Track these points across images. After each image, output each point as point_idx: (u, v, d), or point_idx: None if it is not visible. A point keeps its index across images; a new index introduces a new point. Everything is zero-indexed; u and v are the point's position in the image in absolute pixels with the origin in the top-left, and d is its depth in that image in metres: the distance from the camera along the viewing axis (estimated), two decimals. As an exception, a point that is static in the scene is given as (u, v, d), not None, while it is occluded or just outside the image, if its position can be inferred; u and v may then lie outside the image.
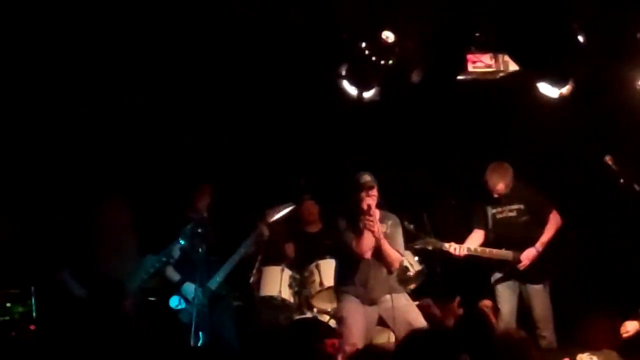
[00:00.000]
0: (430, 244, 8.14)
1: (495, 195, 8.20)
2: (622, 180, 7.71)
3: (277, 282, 8.39)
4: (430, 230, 8.22)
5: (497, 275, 8.35)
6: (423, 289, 8.63)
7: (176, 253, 7.21)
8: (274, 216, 7.94)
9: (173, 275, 7.76)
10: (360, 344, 6.76)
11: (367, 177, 7.16)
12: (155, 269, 7.27)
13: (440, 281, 8.61)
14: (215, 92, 8.28)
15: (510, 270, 8.25)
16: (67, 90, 7.74)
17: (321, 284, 8.36)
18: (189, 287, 7.68)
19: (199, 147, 8.67)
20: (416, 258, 8.56)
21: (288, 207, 8.04)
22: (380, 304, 7.18)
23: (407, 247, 8.40)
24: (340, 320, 7.24)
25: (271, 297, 8.38)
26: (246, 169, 8.88)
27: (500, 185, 8.14)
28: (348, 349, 6.89)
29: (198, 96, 8.30)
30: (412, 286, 8.57)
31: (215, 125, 8.67)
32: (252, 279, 8.34)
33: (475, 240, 8.25)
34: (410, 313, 7.19)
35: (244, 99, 8.41)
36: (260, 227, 7.80)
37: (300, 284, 8.46)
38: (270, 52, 7.76)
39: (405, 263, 8.44)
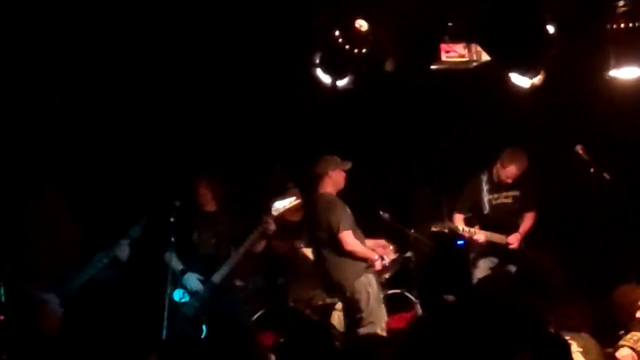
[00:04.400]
0: (446, 227, 8.67)
1: (509, 181, 8.75)
2: (592, 170, 8.16)
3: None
4: (447, 214, 8.77)
5: (478, 261, 8.93)
6: (398, 278, 9.18)
7: (125, 250, 7.31)
8: (279, 209, 8.19)
9: (176, 264, 7.96)
10: None
11: None
12: (103, 265, 7.34)
13: (415, 270, 9.06)
14: (186, 81, 8.53)
15: (493, 254, 8.84)
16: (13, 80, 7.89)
17: (297, 273, 9.01)
18: (191, 278, 7.97)
19: (172, 138, 8.92)
20: (390, 247, 8.96)
21: (293, 199, 8.30)
22: None
23: (386, 235, 9.10)
24: None
25: (245, 286, 8.86)
26: (219, 159, 9.10)
27: (516, 172, 8.72)
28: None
29: (165, 86, 8.51)
30: (387, 275, 9.12)
31: (185, 116, 8.90)
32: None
33: (460, 223, 8.84)
34: None
35: (216, 88, 8.67)
36: (265, 220, 8.04)
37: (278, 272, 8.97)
38: (242, 41, 8.04)
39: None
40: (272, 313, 8.72)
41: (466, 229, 8.78)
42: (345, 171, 8.28)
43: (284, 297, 8.93)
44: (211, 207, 8.26)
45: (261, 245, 8.19)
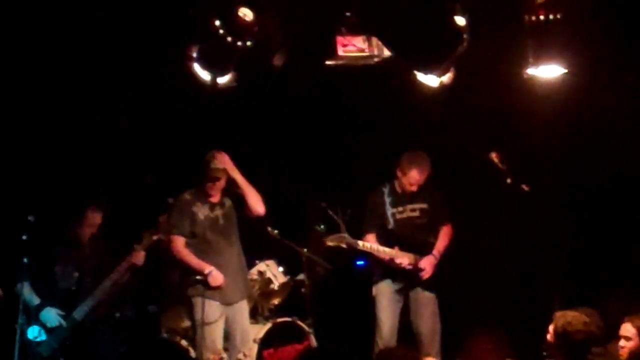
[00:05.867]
0: (344, 241, 8.23)
1: (414, 189, 8.33)
2: (508, 180, 7.86)
3: (122, 298, 8.30)
4: (344, 226, 8.34)
5: (382, 284, 8.41)
6: (289, 304, 8.77)
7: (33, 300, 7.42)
8: (152, 239, 7.88)
9: (31, 298, 7.62)
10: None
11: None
12: None
13: (308, 295, 8.61)
14: (41, 80, 8.11)
15: (399, 277, 8.34)
16: None
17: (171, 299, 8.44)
18: (49, 314, 7.59)
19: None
20: (281, 269, 8.71)
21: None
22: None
23: (275, 254, 8.76)
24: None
25: (112, 315, 8.25)
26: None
27: (419, 177, 8.29)
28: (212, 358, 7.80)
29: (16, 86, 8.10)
30: (277, 301, 8.76)
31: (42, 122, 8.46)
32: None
33: (375, 243, 8.40)
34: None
35: (79, 86, 8.27)
36: (135, 251, 7.75)
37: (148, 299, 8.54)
38: (108, 34, 7.68)
39: (269, 274, 8.59)
40: (142, 345, 8.16)
41: (381, 248, 8.30)
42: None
43: (156, 327, 8.44)
44: (85, 237, 7.89)
45: (127, 276, 7.88)
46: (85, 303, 7.63)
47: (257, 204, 8.04)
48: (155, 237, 7.83)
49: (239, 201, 8.09)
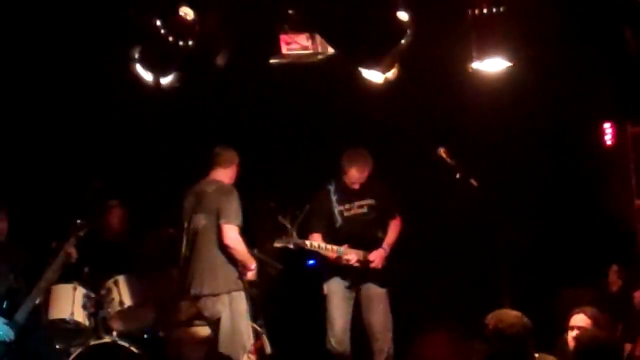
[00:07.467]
0: (291, 242, 8.17)
1: (356, 187, 8.33)
2: (457, 175, 7.77)
3: (69, 303, 8.21)
4: (294, 226, 8.27)
5: (332, 282, 8.39)
6: None
7: None
8: (80, 233, 7.83)
9: None
10: None
11: None
12: None
13: (259, 295, 8.46)
14: None
15: (349, 274, 8.33)
16: None
17: (121, 302, 8.31)
18: None
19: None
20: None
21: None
22: None
23: None
24: None
25: (62, 320, 8.20)
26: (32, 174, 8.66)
27: (359, 175, 8.27)
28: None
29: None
30: None
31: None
32: (38, 300, 7.99)
33: (321, 241, 8.36)
34: None
35: (19, 89, 8.17)
36: (66, 248, 7.69)
37: (97, 304, 8.32)
38: (46, 35, 7.63)
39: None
40: (93, 350, 8.16)
41: (329, 247, 8.27)
42: None
43: (107, 331, 8.28)
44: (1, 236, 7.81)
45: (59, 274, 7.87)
46: (25, 305, 7.57)
47: None
48: (82, 233, 7.81)
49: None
